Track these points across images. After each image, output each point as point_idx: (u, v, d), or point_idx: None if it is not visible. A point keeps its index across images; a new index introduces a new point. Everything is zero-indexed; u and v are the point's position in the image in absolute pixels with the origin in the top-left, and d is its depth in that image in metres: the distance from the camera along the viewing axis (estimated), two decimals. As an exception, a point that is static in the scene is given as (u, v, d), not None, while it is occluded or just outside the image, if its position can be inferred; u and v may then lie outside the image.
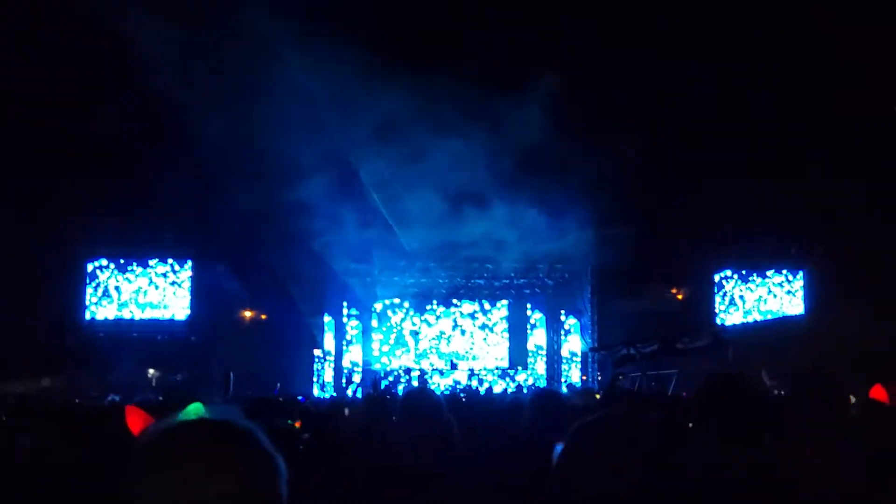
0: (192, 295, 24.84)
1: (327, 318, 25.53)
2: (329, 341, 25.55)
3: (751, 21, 17.68)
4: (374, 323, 27.23)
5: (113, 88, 17.82)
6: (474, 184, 19.26)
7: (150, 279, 24.79)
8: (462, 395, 14.10)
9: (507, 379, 26.28)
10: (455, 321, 27.78)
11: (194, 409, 2.54)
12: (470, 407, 8.30)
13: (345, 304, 26.41)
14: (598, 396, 9.86)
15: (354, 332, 26.89)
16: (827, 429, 2.58)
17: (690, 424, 2.80)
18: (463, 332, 27.56)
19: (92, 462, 2.56)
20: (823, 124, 18.71)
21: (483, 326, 27.73)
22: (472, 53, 17.24)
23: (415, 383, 23.77)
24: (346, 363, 26.19)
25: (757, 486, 2.25)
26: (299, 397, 12.66)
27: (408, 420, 3.72)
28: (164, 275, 24.82)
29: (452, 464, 3.33)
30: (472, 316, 27.73)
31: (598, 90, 18.36)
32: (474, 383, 24.73)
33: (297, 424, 7.07)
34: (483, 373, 26.27)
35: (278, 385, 19.82)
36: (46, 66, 17.32)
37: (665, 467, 1.79)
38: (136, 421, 2.45)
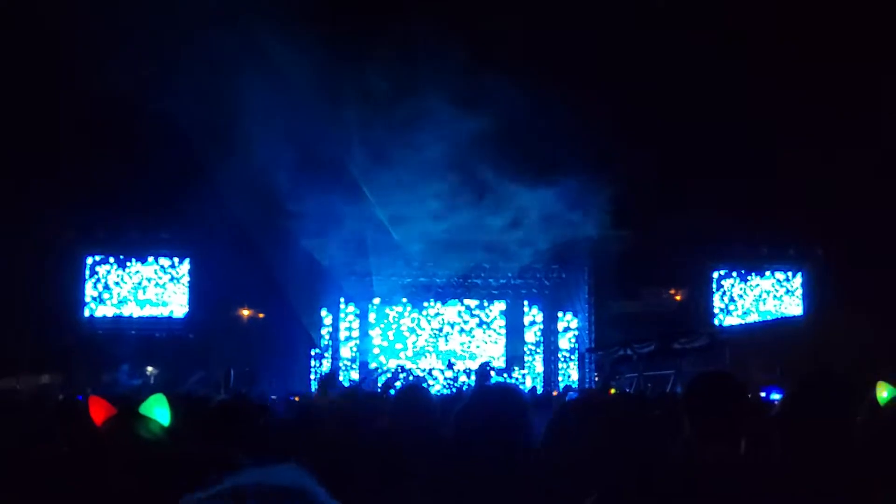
0: (190, 292, 24.84)
1: (324, 314, 25.49)
2: (326, 337, 25.53)
3: (755, 20, 17.69)
4: (372, 318, 27.07)
5: (114, 79, 17.80)
6: (471, 183, 19.25)
7: (150, 275, 24.82)
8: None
9: (505, 376, 26.17)
10: (447, 320, 27.51)
11: (155, 401, 2.53)
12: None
13: (342, 300, 26.35)
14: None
15: (355, 325, 26.77)
16: (836, 428, 2.55)
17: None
18: (461, 331, 27.41)
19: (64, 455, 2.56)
20: (823, 124, 18.71)
21: (480, 324, 27.59)
22: (473, 47, 17.26)
23: (398, 382, 23.67)
24: (345, 355, 26.18)
25: (737, 481, 2.26)
26: (290, 397, 12.51)
27: (400, 418, 3.71)
28: (164, 269, 24.83)
29: (444, 462, 3.31)
30: (470, 312, 27.53)
31: (594, 93, 18.36)
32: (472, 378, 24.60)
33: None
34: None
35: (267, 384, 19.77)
36: (44, 58, 17.33)
37: (643, 458, 1.78)
38: (98, 411, 2.44)
